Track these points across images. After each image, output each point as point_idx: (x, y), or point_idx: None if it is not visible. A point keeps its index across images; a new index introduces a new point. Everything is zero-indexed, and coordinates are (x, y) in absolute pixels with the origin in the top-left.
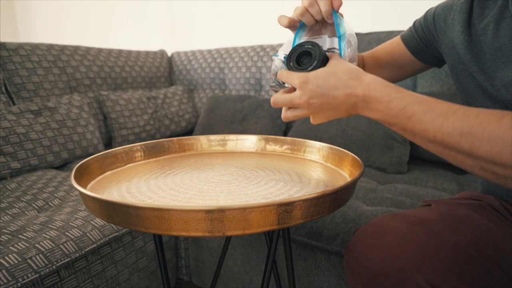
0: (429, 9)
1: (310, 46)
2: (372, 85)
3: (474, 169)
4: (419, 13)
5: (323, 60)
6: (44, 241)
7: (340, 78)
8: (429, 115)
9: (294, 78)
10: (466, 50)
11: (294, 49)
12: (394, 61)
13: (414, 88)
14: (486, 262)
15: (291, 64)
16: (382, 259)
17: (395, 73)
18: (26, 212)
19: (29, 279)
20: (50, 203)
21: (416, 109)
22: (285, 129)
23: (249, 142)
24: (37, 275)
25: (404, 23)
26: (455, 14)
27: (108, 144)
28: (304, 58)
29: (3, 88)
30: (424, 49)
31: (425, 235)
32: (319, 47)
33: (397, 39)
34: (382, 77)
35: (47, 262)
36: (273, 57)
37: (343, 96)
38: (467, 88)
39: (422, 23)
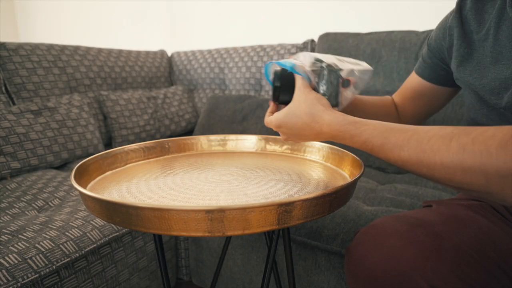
0: (428, 37)
1: (278, 85)
2: (333, 125)
3: (440, 181)
4: (419, 13)
5: (288, 91)
6: (44, 241)
7: (305, 121)
8: (387, 147)
9: (272, 123)
10: (463, 67)
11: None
12: (426, 97)
13: None
14: (487, 263)
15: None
16: (383, 261)
17: (431, 106)
18: (26, 212)
19: (29, 279)
20: (50, 203)
21: (375, 142)
22: None
23: (249, 142)
24: (37, 275)
25: (404, 23)
26: (452, 30)
27: (108, 144)
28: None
29: (3, 88)
30: (446, 75)
31: (426, 237)
32: (280, 78)
33: (414, 78)
34: (419, 112)
35: (47, 262)
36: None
37: (313, 135)
38: (473, 105)
39: (429, 52)
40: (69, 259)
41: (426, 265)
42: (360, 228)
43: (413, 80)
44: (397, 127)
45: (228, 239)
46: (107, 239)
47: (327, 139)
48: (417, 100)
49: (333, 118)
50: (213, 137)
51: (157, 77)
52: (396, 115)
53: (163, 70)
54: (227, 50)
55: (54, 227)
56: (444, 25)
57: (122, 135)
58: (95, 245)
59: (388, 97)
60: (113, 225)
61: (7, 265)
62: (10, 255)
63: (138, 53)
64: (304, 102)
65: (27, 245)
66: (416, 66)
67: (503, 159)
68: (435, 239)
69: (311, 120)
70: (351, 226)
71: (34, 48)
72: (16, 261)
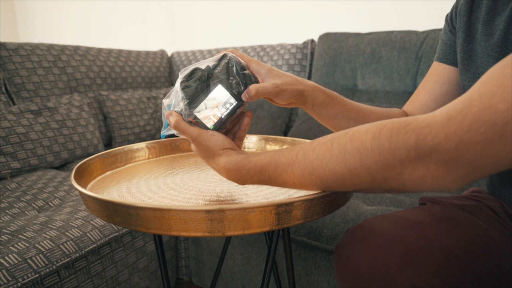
0: (446, 15)
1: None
2: (227, 166)
3: (335, 189)
4: (419, 13)
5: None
6: (44, 241)
7: (206, 157)
8: (280, 169)
9: (187, 135)
10: (463, 67)
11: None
12: (450, 85)
13: (413, 88)
14: (476, 266)
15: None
16: (369, 263)
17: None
18: (26, 212)
19: (29, 279)
20: (50, 203)
21: (269, 168)
22: (285, 129)
23: (249, 142)
24: (37, 275)
25: (404, 23)
26: (459, 18)
27: (108, 144)
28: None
29: (3, 88)
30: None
31: (414, 238)
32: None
33: (436, 70)
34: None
35: (47, 262)
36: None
37: (216, 167)
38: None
39: (448, 31)
40: (69, 259)
41: (411, 268)
42: (350, 228)
43: (436, 74)
44: (287, 148)
45: (228, 239)
46: (107, 239)
47: (232, 179)
48: (444, 98)
49: (225, 161)
50: None
51: (157, 77)
52: None
53: (163, 70)
54: (227, 50)
55: (54, 227)
56: (455, 6)
57: (122, 135)
58: (95, 245)
59: (395, 109)
60: (113, 225)
61: (7, 265)
62: (10, 255)
63: (138, 53)
64: (203, 153)
65: (27, 245)
66: (437, 55)
67: (378, 150)
68: (423, 240)
69: (210, 155)
70: (351, 226)
71: (34, 48)
72: (16, 261)
